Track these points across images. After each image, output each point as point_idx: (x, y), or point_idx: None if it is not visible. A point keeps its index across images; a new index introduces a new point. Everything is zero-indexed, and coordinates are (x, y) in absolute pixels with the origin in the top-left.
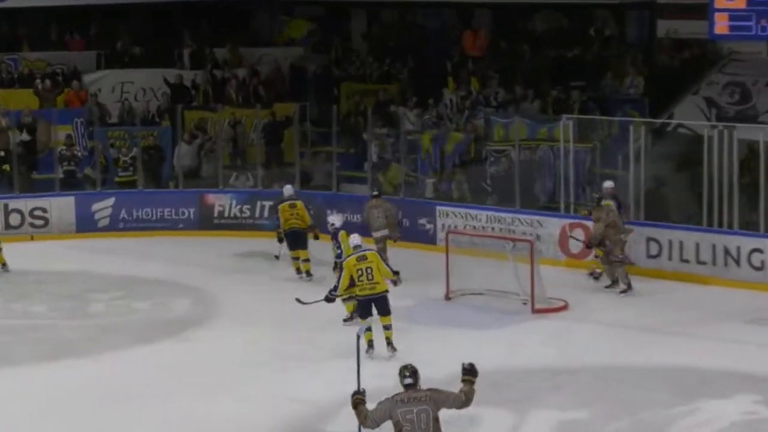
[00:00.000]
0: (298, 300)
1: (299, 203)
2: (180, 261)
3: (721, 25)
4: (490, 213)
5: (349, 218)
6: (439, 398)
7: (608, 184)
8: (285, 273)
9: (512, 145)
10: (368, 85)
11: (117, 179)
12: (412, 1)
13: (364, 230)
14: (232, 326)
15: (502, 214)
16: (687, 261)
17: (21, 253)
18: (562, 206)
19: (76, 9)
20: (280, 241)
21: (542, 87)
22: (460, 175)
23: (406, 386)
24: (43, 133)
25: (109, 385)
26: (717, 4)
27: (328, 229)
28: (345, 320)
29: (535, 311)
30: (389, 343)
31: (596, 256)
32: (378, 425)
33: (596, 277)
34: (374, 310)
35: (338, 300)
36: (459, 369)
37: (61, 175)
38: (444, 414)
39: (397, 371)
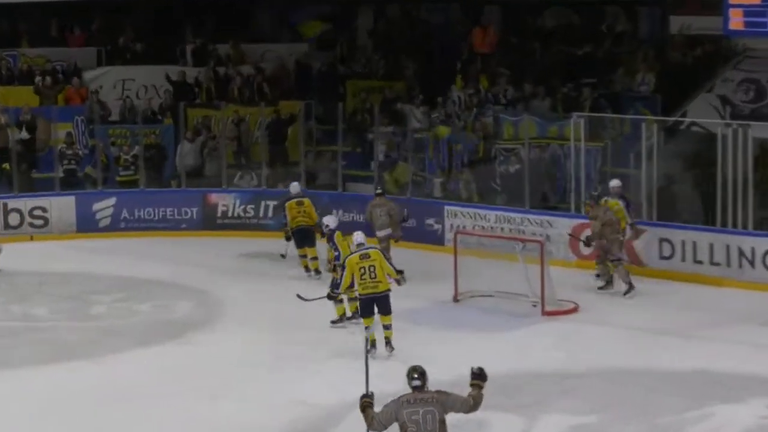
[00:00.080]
0: (299, 296)
1: (306, 200)
2: (182, 262)
3: (736, 20)
4: (499, 213)
5: (354, 218)
6: (446, 401)
7: (615, 183)
8: (290, 273)
9: (522, 143)
10: (374, 83)
11: (118, 178)
12: None
13: (368, 230)
14: (235, 328)
15: (512, 214)
16: (700, 262)
17: (20, 254)
18: (573, 206)
19: (77, 4)
20: (288, 239)
21: (553, 84)
22: (468, 175)
23: (414, 388)
24: (42, 131)
25: (111, 388)
26: (731, 0)
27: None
28: (333, 322)
29: (545, 313)
30: (388, 342)
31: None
32: (385, 428)
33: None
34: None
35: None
36: (467, 372)
37: (61, 174)
38: (452, 418)
39: (404, 372)
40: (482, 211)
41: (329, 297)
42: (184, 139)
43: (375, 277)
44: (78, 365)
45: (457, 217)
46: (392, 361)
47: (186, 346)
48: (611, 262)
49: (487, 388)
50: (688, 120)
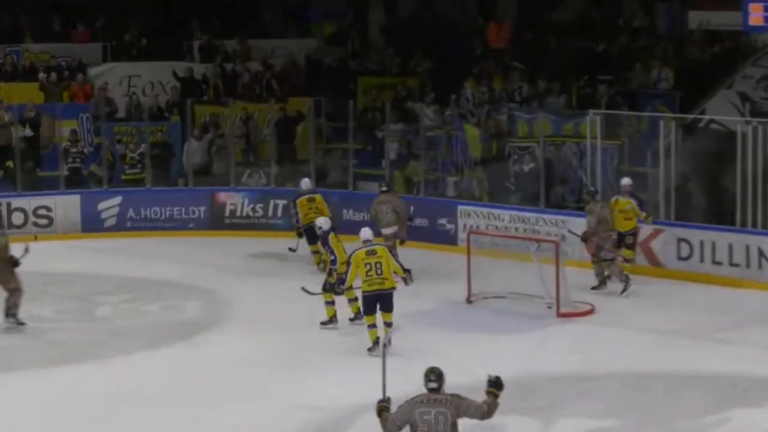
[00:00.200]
0: (303, 289)
1: (318, 197)
2: (190, 262)
3: (756, 16)
4: (513, 212)
5: (365, 217)
6: (460, 404)
7: (626, 181)
8: (299, 274)
9: (537, 141)
10: (386, 79)
11: (124, 177)
12: None
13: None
14: (244, 329)
15: (526, 214)
16: (719, 263)
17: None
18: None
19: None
20: (300, 236)
21: (568, 81)
22: (481, 173)
23: (430, 390)
24: (46, 129)
25: (118, 391)
26: None
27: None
28: (323, 323)
29: (560, 315)
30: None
31: (626, 260)
32: (399, 428)
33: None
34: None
35: (343, 301)
36: (481, 375)
37: (66, 173)
38: (466, 422)
39: (412, 376)
40: (496, 211)
41: (334, 293)
42: (192, 137)
43: (381, 274)
44: (85, 367)
45: (471, 216)
46: (402, 363)
47: (194, 348)
48: (603, 261)
49: (502, 392)
50: (706, 117)
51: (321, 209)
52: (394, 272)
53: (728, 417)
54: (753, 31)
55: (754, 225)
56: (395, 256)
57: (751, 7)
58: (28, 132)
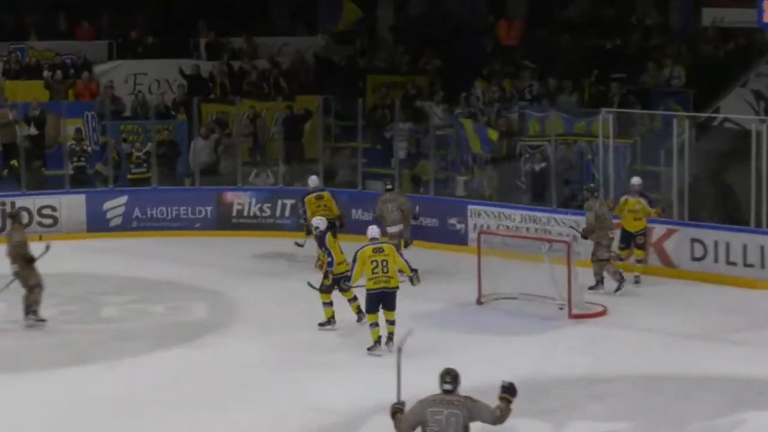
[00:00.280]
0: (309, 285)
1: (326, 194)
2: (196, 262)
3: None
4: (524, 212)
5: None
6: (473, 407)
7: (636, 180)
8: (307, 275)
9: (548, 140)
10: (396, 77)
11: (130, 176)
12: None
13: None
14: (251, 331)
15: (538, 214)
16: (733, 263)
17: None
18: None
19: None
20: (308, 233)
21: (580, 79)
22: (492, 173)
23: (444, 391)
24: (51, 127)
25: (123, 394)
26: None
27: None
28: (321, 324)
29: (571, 317)
30: (390, 338)
31: (638, 260)
32: (413, 428)
33: (637, 280)
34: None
35: (342, 303)
36: (492, 377)
37: (71, 172)
38: (477, 426)
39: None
40: (507, 211)
41: (340, 289)
42: (198, 136)
43: (387, 272)
44: (90, 369)
45: (481, 216)
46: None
47: (200, 350)
48: (600, 261)
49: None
50: (720, 116)
51: (329, 207)
52: (399, 271)
53: (742, 419)
54: (767, 28)
55: None
56: (401, 254)
57: (766, 4)
58: (33, 131)
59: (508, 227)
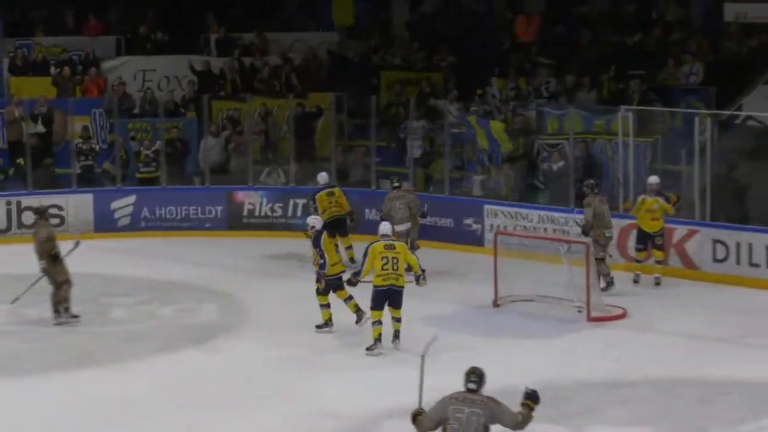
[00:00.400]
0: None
1: (336, 190)
2: (206, 263)
3: None
4: (542, 212)
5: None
6: (496, 408)
7: (653, 179)
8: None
9: (566, 138)
10: (410, 74)
11: (138, 175)
12: None
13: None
14: (261, 334)
15: (556, 214)
16: (756, 265)
17: (34, 255)
18: (621, 205)
19: None
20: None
21: (598, 76)
22: (509, 172)
23: (468, 390)
24: (59, 125)
25: (131, 398)
26: None
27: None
28: (318, 327)
29: (590, 319)
30: (397, 335)
31: (657, 262)
32: (436, 425)
33: (658, 282)
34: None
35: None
36: (508, 381)
37: (78, 171)
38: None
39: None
40: (524, 211)
41: (349, 282)
42: (208, 134)
43: (397, 270)
44: (96, 373)
45: (498, 216)
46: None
47: (210, 353)
48: (597, 260)
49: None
50: (743, 114)
51: (340, 203)
52: (407, 270)
53: (766, 425)
54: None
55: None
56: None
57: None
58: (41, 128)
59: (525, 228)
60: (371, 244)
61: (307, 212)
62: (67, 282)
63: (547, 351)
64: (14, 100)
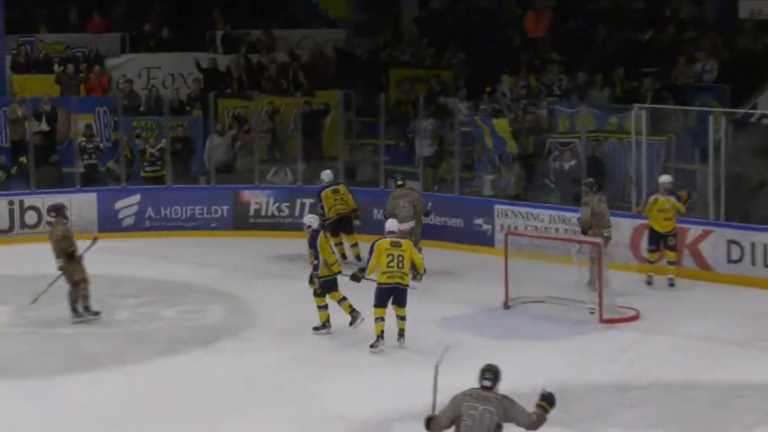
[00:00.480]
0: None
1: (341, 187)
2: (212, 264)
3: None
4: (553, 212)
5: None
6: (510, 407)
7: (665, 178)
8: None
9: (578, 137)
10: (420, 72)
11: (143, 174)
12: None
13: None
14: (268, 336)
15: (567, 214)
16: None
17: (37, 255)
18: (634, 205)
19: None
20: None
21: (611, 73)
22: (520, 171)
23: (483, 387)
24: (62, 123)
25: (135, 401)
26: None
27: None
28: (315, 329)
29: (603, 321)
30: (402, 334)
31: (670, 263)
32: (451, 422)
33: (671, 283)
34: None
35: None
36: (519, 384)
37: (82, 170)
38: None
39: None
40: (535, 211)
41: (353, 277)
42: (214, 132)
43: (402, 268)
44: (99, 376)
45: (508, 216)
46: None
47: (215, 355)
48: (592, 259)
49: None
50: (758, 112)
51: (346, 200)
52: (413, 268)
53: None
54: None
55: None
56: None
57: None
58: (45, 126)
59: (536, 228)
60: (377, 240)
61: (314, 211)
62: (84, 280)
63: (558, 353)
64: (17, 99)
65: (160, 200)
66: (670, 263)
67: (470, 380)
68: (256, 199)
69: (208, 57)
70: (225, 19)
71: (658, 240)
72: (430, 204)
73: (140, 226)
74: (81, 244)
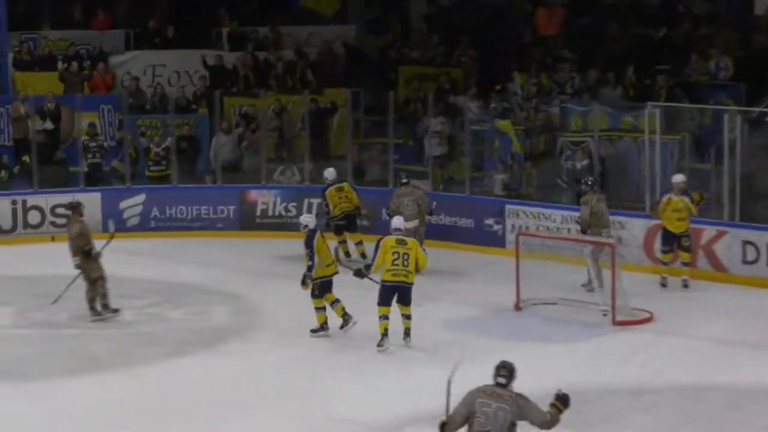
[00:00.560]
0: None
1: (346, 185)
2: (218, 264)
3: None
4: (565, 212)
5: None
6: (524, 405)
7: (678, 178)
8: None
9: (591, 136)
10: (429, 69)
11: (148, 173)
12: None
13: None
14: (274, 337)
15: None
16: None
17: (41, 256)
18: (648, 205)
19: None
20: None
21: (623, 71)
22: (531, 170)
23: (497, 384)
24: (66, 122)
25: (139, 403)
26: None
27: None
28: (313, 331)
29: (616, 323)
30: (408, 333)
31: (684, 264)
32: (465, 419)
33: (686, 284)
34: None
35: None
36: (531, 386)
37: (86, 169)
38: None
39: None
40: (547, 211)
41: (357, 272)
42: (220, 131)
43: (407, 266)
44: (104, 378)
45: (519, 216)
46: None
47: (221, 357)
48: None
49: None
50: None
51: (350, 198)
52: (417, 267)
53: None
54: None
55: None
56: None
57: None
58: (49, 125)
59: (548, 228)
60: (383, 237)
61: (321, 211)
62: (101, 278)
63: (570, 355)
64: (20, 97)
65: (165, 200)
66: (684, 264)
67: (480, 382)
68: (263, 198)
69: (215, 54)
70: (231, 16)
71: (671, 240)
72: (434, 203)
73: (145, 226)
74: (97, 243)
